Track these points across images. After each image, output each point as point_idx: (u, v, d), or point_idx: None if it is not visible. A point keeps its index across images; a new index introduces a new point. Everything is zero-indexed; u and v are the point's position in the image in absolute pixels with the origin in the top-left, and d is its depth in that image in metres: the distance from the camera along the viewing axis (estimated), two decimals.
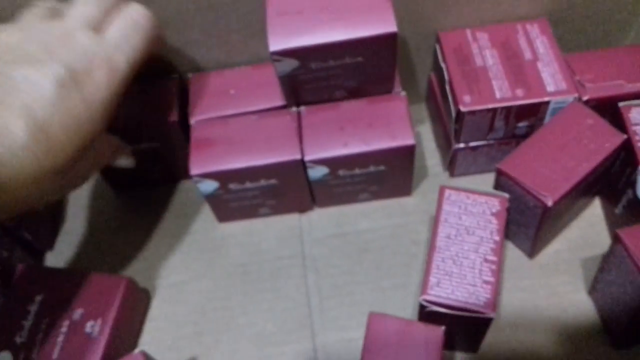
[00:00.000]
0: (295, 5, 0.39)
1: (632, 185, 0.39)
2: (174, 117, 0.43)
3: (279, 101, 0.43)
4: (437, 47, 0.44)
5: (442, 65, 0.43)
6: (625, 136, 0.39)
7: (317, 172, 0.42)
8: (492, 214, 0.37)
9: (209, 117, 0.43)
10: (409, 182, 0.45)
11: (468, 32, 0.44)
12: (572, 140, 0.39)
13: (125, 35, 0.34)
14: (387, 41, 0.38)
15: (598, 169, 0.39)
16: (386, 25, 0.37)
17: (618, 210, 0.42)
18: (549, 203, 0.36)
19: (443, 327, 0.34)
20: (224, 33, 0.43)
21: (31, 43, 0.31)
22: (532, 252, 0.42)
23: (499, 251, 0.36)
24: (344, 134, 0.41)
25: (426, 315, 0.35)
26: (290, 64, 0.39)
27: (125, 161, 0.40)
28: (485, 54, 0.43)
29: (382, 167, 0.42)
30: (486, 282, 0.35)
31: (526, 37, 0.43)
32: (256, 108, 0.43)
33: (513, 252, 0.43)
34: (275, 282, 0.43)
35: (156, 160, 0.46)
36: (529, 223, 0.39)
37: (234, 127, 0.42)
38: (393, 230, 0.45)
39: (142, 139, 0.44)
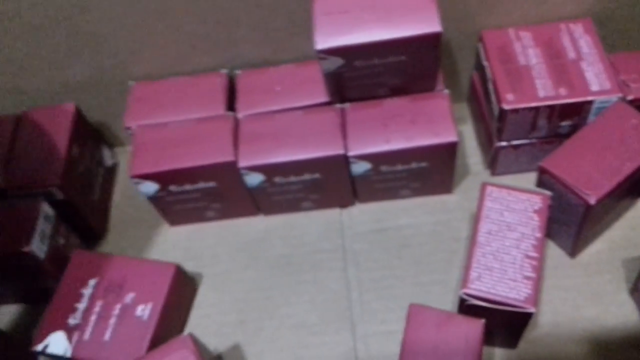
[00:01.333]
0: (341, 4, 0.40)
1: None
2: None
3: (323, 98, 0.44)
4: (480, 45, 0.45)
5: (485, 63, 0.44)
6: None
7: (359, 168, 0.43)
8: (534, 211, 0.37)
9: (256, 112, 0.44)
10: (450, 179, 0.46)
11: (511, 31, 0.44)
12: (615, 140, 0.39)
13: None
14: (431, 41, 0.39)
15: None
16: (431, 25, 0.38)
17: None
18: (592, 201, 0.37)
19: (483, 320, 0.34)
20: (270, 30, 0.44)
21: None
22: (573, 251, 0.42)
23: (541, 248, 0.36)
24: (386, 130, 0.42)
25: (466, 309, 0.36)
26: (336, 62, 0.40)
27: None
28: (529, 52, 0.43)
29: (424, 164, 0.43)
30: (527, 278, 0.35)
31: (570, 36, 0.44)
32: (301, 104, 0.44)
33: (554, 251, 0.43)
34: (316, 275, 0.44)
35: None
36: (571, 221, 0.40)
37: (280, 122, 0.43)
38: (433, 226, 0.46)
39: None
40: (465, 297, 0.35)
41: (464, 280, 0.35)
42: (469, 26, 0.45)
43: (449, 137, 0.41)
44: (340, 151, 0.41)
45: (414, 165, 0.43)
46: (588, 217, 0.38)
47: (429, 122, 0.42)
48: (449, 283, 0.43)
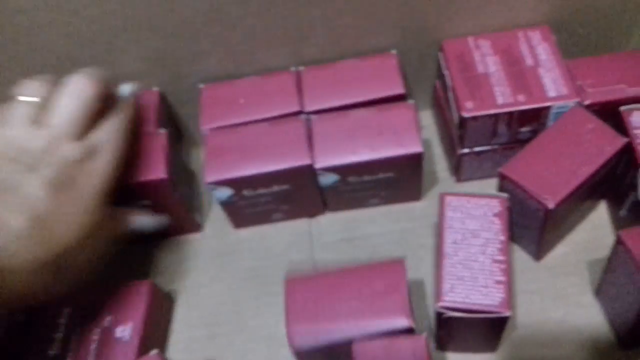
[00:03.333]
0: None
1: (635, 188, 0.40)
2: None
3: (288, 108, 0.44)
4: (441, 55, 0.45)
5: (445, 72, 0.44)
6: (626, 139, 0.40)
7: (327, 179, 0.43)
8: (495, 215, 0.38)
9: (220, 125, 0.44)
10: (418, 187, 0.46)
11: (470, 40, 0.45)
12: (573, 144, 0.40)
13: (109, 140, 0.37)
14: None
15: (599, 172, 0.39)
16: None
17: (622, 212, 0.43)
18: (551, 206, 0.37)
19: (424, 335, 0.35)
20: (232, 44, 0.45)
21: (19, 149, 0.34)
22: (538, 255, 0.43)
23: (506, 250, 0.37)
24: (353, 142, 0.42)
25: (444, 321, 0.36)
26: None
27: (145, 221, 0.42)
28: (487, 60, 0.44)
29: (390, 174, 0.43)
30: (498, 282, 0.36)
31: (528, 43, 0.44)
32: (266, 116, 0.44)
33: (520, 255, 0.44)
34: None
35: None
36: (533, 226, 0.40)
37: (246, 134, 0.44)
38: (400, 234, 0.46)
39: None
40: (441, 310, 0.35)
41: (438, 294, 0.36)
42: (430, 36, 0.46)
43: (414, 148, 0.42)
44: (307, 161, 0.42)
45: (380, 175, 0.43)
46: (548, 222, 0.39)
47: (395, 133, 0.42)
48: (419, 290, 0.43)
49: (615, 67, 0.44)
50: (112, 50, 0.43)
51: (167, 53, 0.45)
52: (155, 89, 0.47)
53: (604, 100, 0.42)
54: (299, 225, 0.48)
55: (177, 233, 0.48)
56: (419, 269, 0.44)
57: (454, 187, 0.48)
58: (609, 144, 0.40)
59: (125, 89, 0.41)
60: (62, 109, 0.36)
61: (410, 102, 0.44)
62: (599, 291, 0.41)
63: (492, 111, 0.41)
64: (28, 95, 0.36)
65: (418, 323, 0.41)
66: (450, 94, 0.44)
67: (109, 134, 0.38)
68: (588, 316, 0.41)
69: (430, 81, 0.50)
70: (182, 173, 0.48)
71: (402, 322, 0.35)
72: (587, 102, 0.42)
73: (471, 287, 0.36)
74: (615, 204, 0.44)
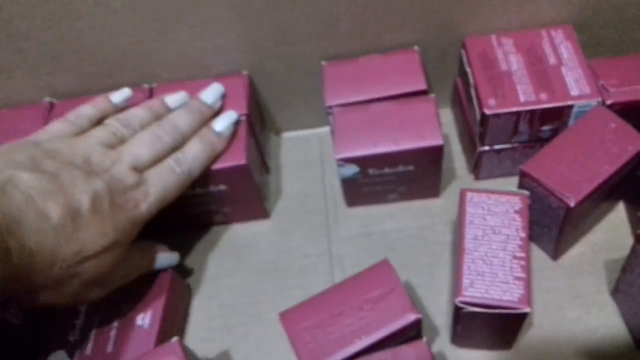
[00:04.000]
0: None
1: None
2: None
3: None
4: (463, 52, 0.45)
5: (468, 69, 0.44)
6: None
7: (348, 171, 0.43)
8: (515, 212, 0.38)
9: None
10: (437, 183, 0.46)
11: (493, 37, 0.45)
12: (595, 143, 0.40)
13: (160, 182, 0.39)
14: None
15: (621, 171, 0.39)
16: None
17: None
18: (572, 204, 0.37)
19: (425, 339, 0.35)
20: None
21: (81, 161, 0.36)
22: (555, 254, 0.43)
23: (526, 247, 0.37)
24: (373, 134, 0.42)
25: (463, 316, 0.36)
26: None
27: (166, 260, 0.43)
28: (510, 59, 0.44)
29: (411, 167, 0.43)
30: (518, 279, 0.36)
31: (551, 42, 0.44)
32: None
33: (537, 254, 0.44)
34: (303, 280, 0.45)
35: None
36: (552, 224, 0.40)
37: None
38: (418, 231, 0.46)
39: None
40: (460, 305, 0.35)
41: (457, 289, 0.36)
42: (453, 33, 0.46)
43: (434, 141, 0.42)
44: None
45: (400, 168, 0.44)
46: (568, 220, 0.39)
47: (416, 125, 0.42)
48: (435, 286, 0.44)
49: (637, 67, 0.44)
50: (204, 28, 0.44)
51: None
52: (245, 72, 0.47)
53: (627, 100, 0.42)
54: (317, 219, 0.48)
55: (244, 219, 0.48)
56: (437, 265, 0.44)
57: (473, 185, 0.48)
58: (631, 143, 0.40)
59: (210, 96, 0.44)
60: (134, 145, 0.39)
61: (432, 96, 0.44)
62: (616, 291, 0.41)
63: (515, 109, 0.41)
64: (113, 125, 0.40)
65: (435, 318, 0.42)
66: (473, 91, 0.44)
67: (161, 178, 0.39)
68: (604, 316, 0.41)
69: (450, 78, 0.50)
70: (259, 159, 0.49)
71: (409, 317, 0.35)
72: (609, 102, 0.42)
73: (491, 283, 0.36)
74: (634, 205, 0.44)
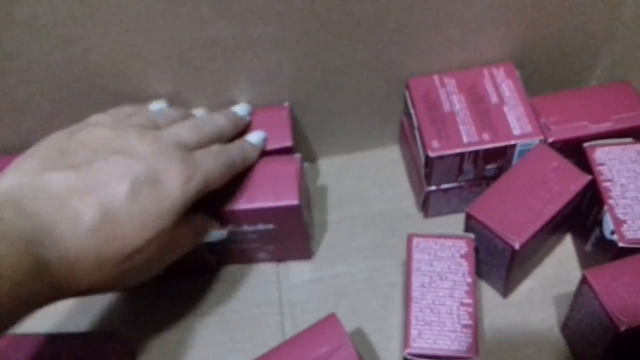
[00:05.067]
0: None
1: (600, 224, 0.40)
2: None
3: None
4: (407, 93, 0.45)
5: (411, 111, 0.44)
6: (589, 177, 0.40)
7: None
8: (462, 256, 0.38)
9: None
10: (305, 243, 0.45)
11: (436, 78, 0.45)
12: (538, 183, 0.40)
13: (208, 168, 0.36)
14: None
15: (564, 210, 0.40)
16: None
17: (588, 247, 0.43)
18: (517, 246, 0.37)
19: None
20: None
21: (120, 142, 0.34)
22: (505, 291, 0.43)
23: (473, 293, 0.37)
24: (232, 190, 0.41)
25: None
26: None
27: (217, 235, 0.42)
28: (453, 99, 0.44)
29: (270, 226, 0.43)
30: (465, 326, 0.36)
31: (492, 81, 0.45)
32: None
33: (487, 292, 0.44)
34: (253, 331, 0.44)
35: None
36: (499, 264, 0.40)
37: None
38: (369, 273, 0.46)
39: None
40: (409, 357, 0.35)
41: (406, 340, 0.35)
42: (395, 73, 0.46)
43: (290, 201, 0.41)
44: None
45: (260, 226, 0.43)
46: (515, 260, 0.39)
47: (273, 184, 0.42)
48: (387, 331, 0.43)
49: (578, 103, 0.45)
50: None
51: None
52: (286, 104, 0.46)
53: (568, 138, 0.43)
54: (266, 267, 0.47)
55: (288, 258, 0.47)
56: (389, 308, 0.44)
57: (423, 222, 0.48)
58: (573, 182, 0.40)
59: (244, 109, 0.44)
60: (179, 127, 0.37)
61: (297, 155, 0.44)
62: (565, 327, 0.41)
63: (458, 150, 0.42)
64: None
65: None
66: (417, 133, 0.44)
67: (213, 162, 0.37)
68: (555, 353, 0.41)
69: (397, 115, 0.50)
70: (306, 198, 0.47)
71: None
72: (550, 140, 0.43)
73: (439, 332, 0.35)
74: (581, 238, 0.44)
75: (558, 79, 0.49)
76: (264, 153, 0.44)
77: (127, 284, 0.35)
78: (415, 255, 0.39)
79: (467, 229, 0.40)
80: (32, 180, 0.31)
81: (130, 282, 0.35)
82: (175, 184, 0.34)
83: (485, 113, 0.43)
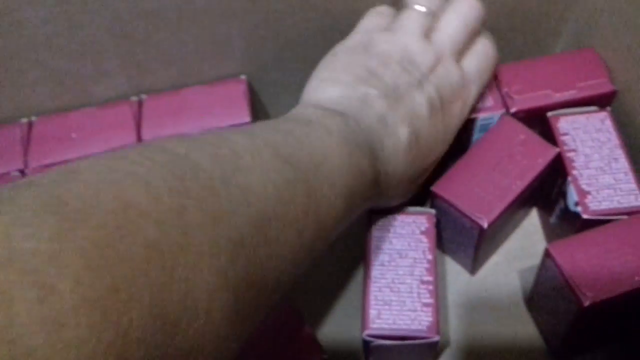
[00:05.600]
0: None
1: (564, 195, 0.39)
2: None
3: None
4: None
5: None
6: (557, 150, 0.39)
7: None
8: (422, 233, 0.37)
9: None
10: None
11: None
12: (505, 157, 0.39)
13: (479, 70, 0.37)
14: None
15: (532, 184, 0.39)
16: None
17: (553, 219, 0.42)
18: (485, 225, 0.36)
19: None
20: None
21: (410, 60, 0.34)
22: (473, 269, 0.42)
23: (434, 270, 0.36)
24: (183, 119, 0.41)
25: (373, 349, 0.35)
26: None
27: None
28: None
29: None
30: (426, 305, 0.34)
31: None
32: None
33: (452, 267, 0.43)
34: None
35: None
36: (467, 243, 0.39)
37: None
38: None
39: None
40: (368, 338, 0.34)
41: (364, 320, 0.34)
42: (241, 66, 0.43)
43: (242, 119, 0.41)
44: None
45: None
46: (483, 239, 0.38)
47: (225, 107, 0.41)
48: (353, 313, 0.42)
49: (541, 71, 0.43)
50: None
51: None
52: (243, 77, 0.43)
53: (531, 107, 0.41)
54: None
55: None
56: (350, 287, 0.43)
57: None
58: (541, 155, 0.39)
59: None
60: (448, 27, 0.36)
61: (242, 76, 0.42)
62: (530, 301, 0.41)
63: None
64: (421, 4, 0.36)
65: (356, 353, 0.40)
66: None
67: (479, 70, 0.37)
68: (520, 327, 0.41)
69: None
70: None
71: None
72: (513, 110, 0.41)
73: (399, 312, 0.34)
74: (546, 211, 0.44)
75: (522, 48, 0.48)
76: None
77: (396, 202, 0.37)
78: (375, 233, 0.37)
79: (433, 207, 0.39)
80: (354, 94, 0.32)
81: (398, 201, 0.37)
82: (456, 111, 0.35)
83: None
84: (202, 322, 0.21)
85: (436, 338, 0.33)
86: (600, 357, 0.39)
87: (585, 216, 0.37)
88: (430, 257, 0.36)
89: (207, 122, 0.41)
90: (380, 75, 0.33)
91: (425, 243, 0.37)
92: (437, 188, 0.38)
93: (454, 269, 0.43)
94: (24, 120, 0.41)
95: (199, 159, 0.24)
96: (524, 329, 0.41)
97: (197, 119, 0.41)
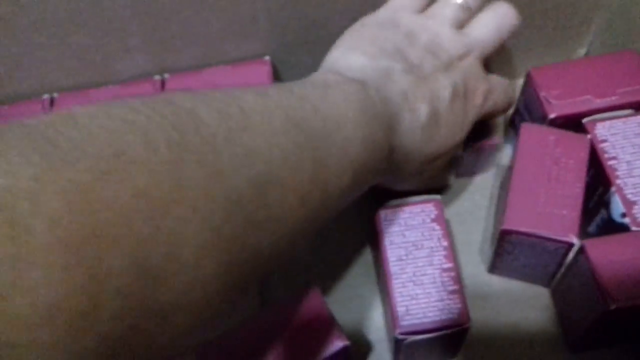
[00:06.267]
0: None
1: (606, 206, 0.37)
2: None
3: None
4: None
5: None
6: (588, 136, 0.37)
7: None
8: (433, 220, 0.36)
9: None
10: None
11: None
12: (552, 165, 0.36)
13: (504, 94, 0.37)
14: None
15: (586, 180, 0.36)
16: None
17: (591, 229, 0.39)
18: (574, 241, 0.34)
19: None
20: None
21: (438, 45, 0.34)
22: (549, 283, 0.39)
23: (452, 256, 0.35)
24: None
25: (405, 347, 0.33)
26: None
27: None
28: None
29: None
30: (452, 292, 0.33)
31: None
32: None
33: (465, 258, 0.40)
34: None
35: None
36: (550, 262, 0.36)
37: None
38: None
39: None
40: (401, 337, 0.32)
41: (393, 320, 0.32)
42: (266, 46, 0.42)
43: None
44: None
45: None
46: (568, 252, 0.35)
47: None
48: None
49: (579, 74, 0.41)
50: None
51: None
52: (267, 58, 0.42)
53: (570, 113, 0.39)
54: None
55: None
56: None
57: None
58: (580, 148, 0.37)
59: None
60: (483, 28, 0.36)
61: (266, 57, 0.41)
62: (556, 292, 0.38)
63: None
64: None
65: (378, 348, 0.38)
66: None
67: (502, 94, 0.37)
68: (539, 317, 0.38)
69: None
70: None
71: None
72: (552, 115, 0.39)
73: (427, 305, 0.33)
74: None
75: (547, 43, 0.46)
76: None
77: (405, 186, 0.36)
78: (385, 229, 0.35)
79: (505, 246, 0.36)
80: (378, 66, 0.31)
81: (406, 186, 0.36)
82: (477, 102, 0.35)
83: None
84: (190, 277, 0.20)
85: (467, 324, 0.32)
86: (616, 351, 0.36)
87: (634, 228, 0.34)
88: (445, 243, 0.35)
89: None
90: (406, 53, 0.33)
91: (438, 230, 0.35)
92: (508, 225, 0.35)
93: (466, 260, 0.40)
94: (46, 96, 0.41)
95: (204, 115, 0.23)
96: (542, 318, 0.38)
97: None
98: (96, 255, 0.17)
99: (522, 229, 0.34)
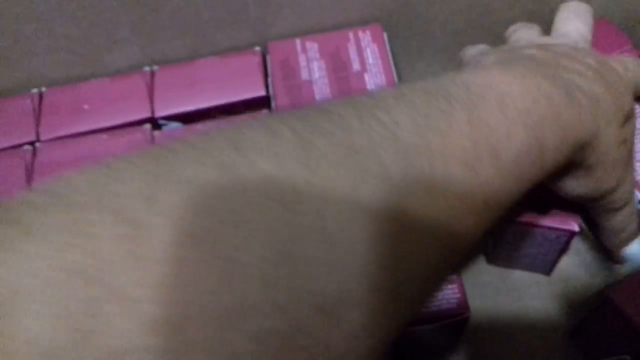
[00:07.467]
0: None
1: None
2: None
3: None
4: (268, 57, 0.41)
5: (269, 78, 0.41)
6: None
7: (171, 129, 0.40)
8: None
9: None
10: None
11: (298, 42, 0.41)
12: None
13: None
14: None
15: None
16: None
17: None
18: (576, 228, 0.34)
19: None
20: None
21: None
22: (550, 270, 0.40)
23: None
24: (195, 90, 0.40)
25: (404, 336, 0.33)
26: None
27: None
28: (313, 66, 0.40)
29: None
30: (450, 282, 0.33)
31: (357, 45, 0.41)
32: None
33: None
34: None
35: None
36: (550, 250, 0.37)
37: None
38: None
39: None
40: None
41: None
42: (256, 35, 0.42)
43: (257, 92, 0.40)
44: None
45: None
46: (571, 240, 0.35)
47: (240, 78, 0.40)
48: None
49: None
50: None
51: None
52: (257, 48, 0.41)
53: None
54: None
55: None
56: None
57: None
58: None
59: None
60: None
61: (257, 48, 0.41)
62: (575, 333, 0.38)
63: None
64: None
65: None
66: (273, 103, 0.40)
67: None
68: (539, 306, 0.40)
69: None
70: None
71: None
72: None
73: None
74: None
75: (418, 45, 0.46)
76: (237, 105, 0.40)
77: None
78: None
79: (505, 236, 0.37)
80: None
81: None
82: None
83: (345, 82, 0.39)
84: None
85: (467, 313, 0.32)
86: None
87: None
88: None
89: (220, 94, 0.40)
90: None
91: None
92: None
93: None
94: (35, 90, 0.41)
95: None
96: (541, 307, 0.39)
97: (211, 90, 0.40)
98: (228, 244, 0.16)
99: (523, 219, 0.35)
